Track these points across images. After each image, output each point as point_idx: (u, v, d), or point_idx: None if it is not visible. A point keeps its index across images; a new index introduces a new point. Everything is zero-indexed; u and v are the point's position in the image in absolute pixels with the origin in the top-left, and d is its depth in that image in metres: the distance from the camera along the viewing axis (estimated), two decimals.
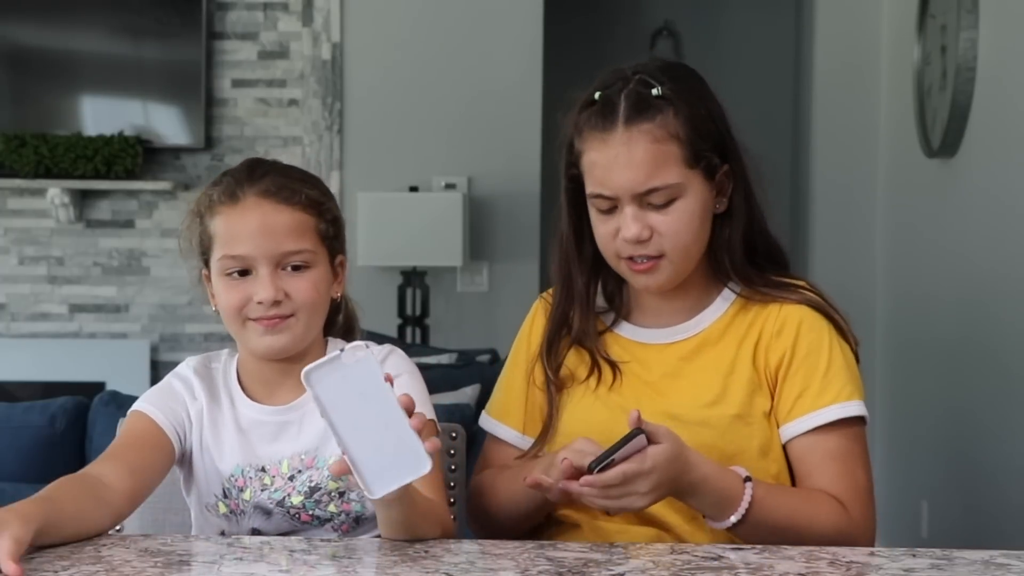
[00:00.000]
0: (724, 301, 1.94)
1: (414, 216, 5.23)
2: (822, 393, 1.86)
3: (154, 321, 5.59)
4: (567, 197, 1.92)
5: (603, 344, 1.95)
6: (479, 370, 3.86)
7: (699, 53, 6.86)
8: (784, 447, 1.88)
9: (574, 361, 1.96)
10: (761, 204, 1.93)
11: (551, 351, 1.96)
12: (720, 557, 1.60)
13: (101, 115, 5.52)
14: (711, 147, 1.86)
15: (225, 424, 1.87)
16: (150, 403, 1.87)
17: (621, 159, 1.81)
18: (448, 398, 3.32)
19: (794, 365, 1.87)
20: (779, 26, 6.52)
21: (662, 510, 1.84)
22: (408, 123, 5.54)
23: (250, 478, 1.84)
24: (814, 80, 5.39)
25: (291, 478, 1.84)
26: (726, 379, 1.88)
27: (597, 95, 1.86)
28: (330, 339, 1.93)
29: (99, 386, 5.31)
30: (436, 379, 3.54)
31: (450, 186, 5.51)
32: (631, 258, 1.86)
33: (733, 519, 1.75)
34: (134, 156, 5.40)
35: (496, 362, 4.45)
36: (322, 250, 1.86)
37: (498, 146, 5.54)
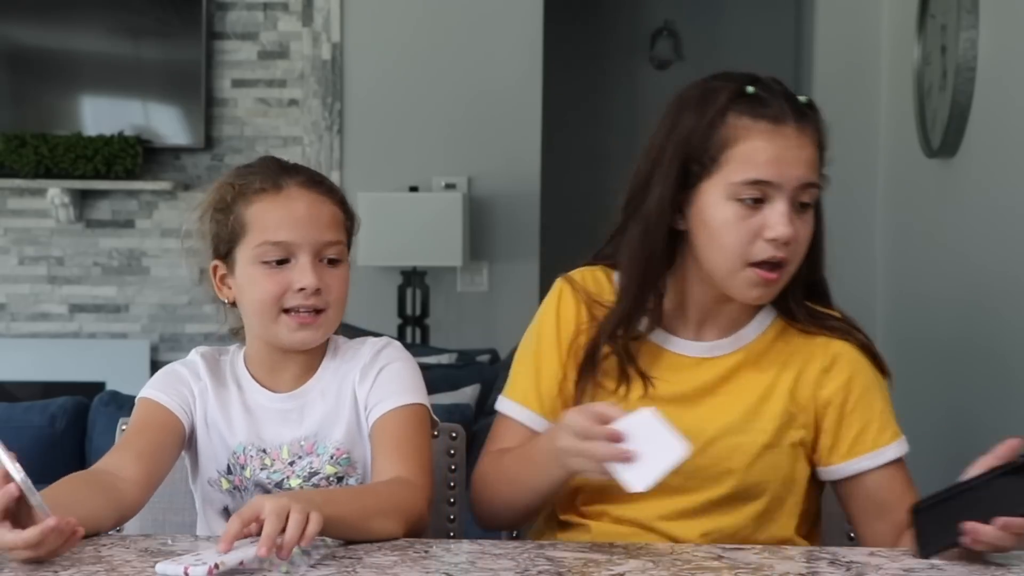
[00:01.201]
0: (764, 320, 1.90)
1: (414, 216, 5.23)
2: (883, 431, 1.87)
3: (154, 321, 5.59)
4: (674, 187, 1.83)
5: (637, 351, 1.89)
6: (479, 370, 3.86)
7: (699, 53, 6.86)
8: (837, 482, 1.88)
9: (607, 364, 1.89)
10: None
11: (596, 351, 1.88)
12: (720, 557, 1.60)
13: (101, 115, 5.52)
14: (822, 169, 1.85)
15: (233, 403, 1.90)
16: (155, 388, 1.90)
17: (792, 152, 1.78)
18: (448, 398, 3.33)
19: (849, 404, 1.86)
20: (779, 26, 6.52)
21: (669, 524, 1.83)
22: (408, 123, 5.54)
23: (251, 456, 1.87)
24: (814, 80, 5.39)
25: (291, 463, 1.87)
26: (760, 405, 1.86)
27: (750, 89, 1.81)
28: (341, 338, 1.96)
29: (99, 386, 5.31)
30: (436, 379, 3.54)
31: (450, 186, 5.51)
32: (763, 264, 1.79)
33: None
34: (134, 156, 5.40)
35: (496, 362, 4.45)
36: (346, 247, 1.89)
37: (498, 146, 5.54)
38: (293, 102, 5.58)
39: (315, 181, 1.87)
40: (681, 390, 1.87)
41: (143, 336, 5.58)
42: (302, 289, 1.81)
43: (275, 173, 1.86)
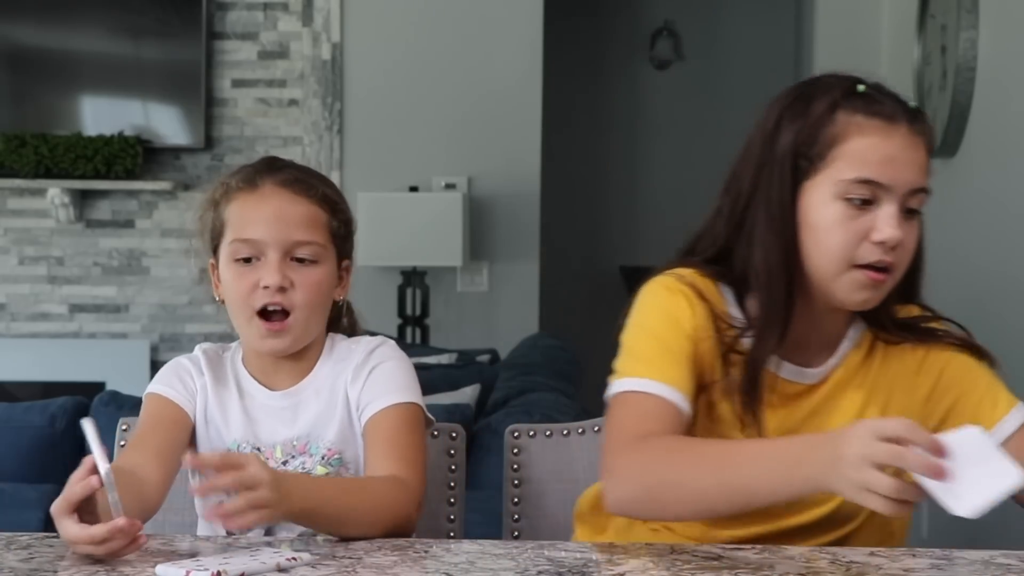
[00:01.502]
0: (855, 333, 1.84)
1: (414, 216, 5.23)
2: (995, 406, 1.81)
3: (154, 321, 5.59)
4: (787, 183, 1.73)
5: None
6: (479, 370, 3.86)
7: (699, 53, 6.87)
8: None
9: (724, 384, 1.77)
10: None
11: (757, 376, 1.74)
12: (720, 557, 1.60)
13: (101, 115, 5.52)
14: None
15: (231, 400, 1.90)
16: (162, 383, 1.91)
17: (907, 154, 1.71)
18: (448, 398, 3.32)
19: (957, 406, 1.81)
20: (779, 26, 6.52)
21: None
22: (408, 123, 5.54)
23: (245, 452, 1.86)
24: None
25: (284, 463, 1.86)
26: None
27: (861, 88, 1.74)
28: (331, 334, 1.95)
29: (99, 386, 5.31)
30: (436, 379, 3.55)
31: (450, 186, 5.51)
32: (871, 266, 1.71)
33: None
34: (134, 156, 5.40)
35: (496, 362, 4.45)
36: (331, 248, 1.88)
37: (498, 146, 5.54)
38: (293, 102, 5.58)
39: (296, 180, 1.86)
40: (789, 424, 1.78)
41: (143, 336, 5.58)
42: (267, 287, 1.82)
43: (256, 172, 1.87)
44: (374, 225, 5.06)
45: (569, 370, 4.09)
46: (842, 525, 1.78)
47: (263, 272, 1.82)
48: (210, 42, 5.54)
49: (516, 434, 2.10)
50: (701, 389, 1.75)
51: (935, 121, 4.31)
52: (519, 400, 3.40)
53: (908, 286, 1.83)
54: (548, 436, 2.08)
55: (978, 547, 1.66)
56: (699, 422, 1.75)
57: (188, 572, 1.44)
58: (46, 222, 5.56)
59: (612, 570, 1.53)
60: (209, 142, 5.54)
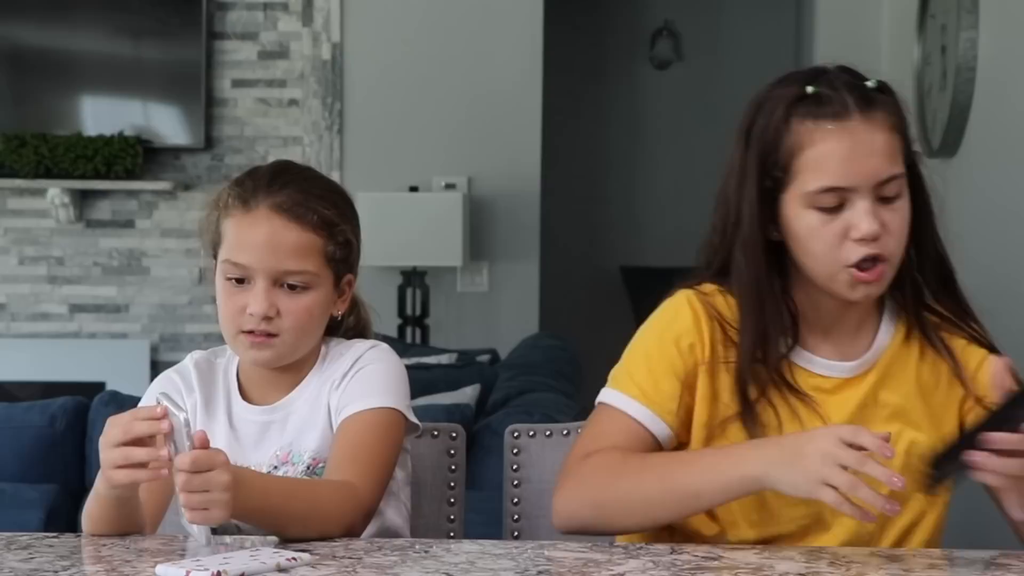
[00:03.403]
0: (889, 325, 1.83)
1: (414, 216, 5.23)
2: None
3: (154, 321, 5.59)
4: (760, 202, 1.74)
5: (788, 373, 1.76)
6: (479, 370, 3.86)
7: (699, 53, 6.86)
8: None
9: (730, 392, 1.77)
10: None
11: (745, 385, 1.75)
12: (720, 557, 1.60)
13: (101, 115, 5.52)
14: (910, 148, 1.78)
15: (219, 420, 1.88)
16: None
17: (863, 147, 1.69)
18: (448, 398, 3.32)
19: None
20: (779, 26, 6.52)
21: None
22: (408, 123, 5.54)
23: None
24: None
25: (268, 472, 1.84)
26: (901, 430, 1.76)
27: (810, 89, 1.72)
28: (332, 339, 1.92)
29: (99, 386, 5.31)
30: (436, 379, 3.55)
31: (450, 186, 5.51)
32: (859, 265, 1.71)
33: None
34: (134, 156, 5.39)
35: (496, 362, 4.45)
36: (326, 272, 1.85)
37: (498, 146, 5.54)
38: (293, 102, 5.58)
39: (293, 204, 1.81)
40: (840, 419, 1.76)
41: (143, 336, 5.58)
42: (252, 314, 1.80)
43: (254, 190, 1.82)
44: (374, 225, 5.05)
45: (569, 370, 4.09)
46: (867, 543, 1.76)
47: (250, 297, 1.80)
48: (210, 42, 5.53)
49: (516, 434, 2.09)
50: (747, 407, 1.75)
51: (935, 121, 4.31)
52: (519, 400, 3.40)
53: (939, 277, 1.84)
54: (548, 436, 2.08)
55: (978, 547, 1.66)
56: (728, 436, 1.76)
57: (188, 572, 1.45)
58: (46, 222, 5.56)
59: (612, 570, 1.53)
60: (209, 142, 5.53)
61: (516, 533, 2.06)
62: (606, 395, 1.80)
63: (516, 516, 2.07)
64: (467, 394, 3.45)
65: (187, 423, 1.56)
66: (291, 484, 1.75)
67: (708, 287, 1.82)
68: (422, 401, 3.10)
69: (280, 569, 1.49)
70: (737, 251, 1.77)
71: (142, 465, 1.58)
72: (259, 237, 1.80)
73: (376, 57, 5.54)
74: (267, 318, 1.80)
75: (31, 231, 5.57)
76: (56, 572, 1.50)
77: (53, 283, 5.58)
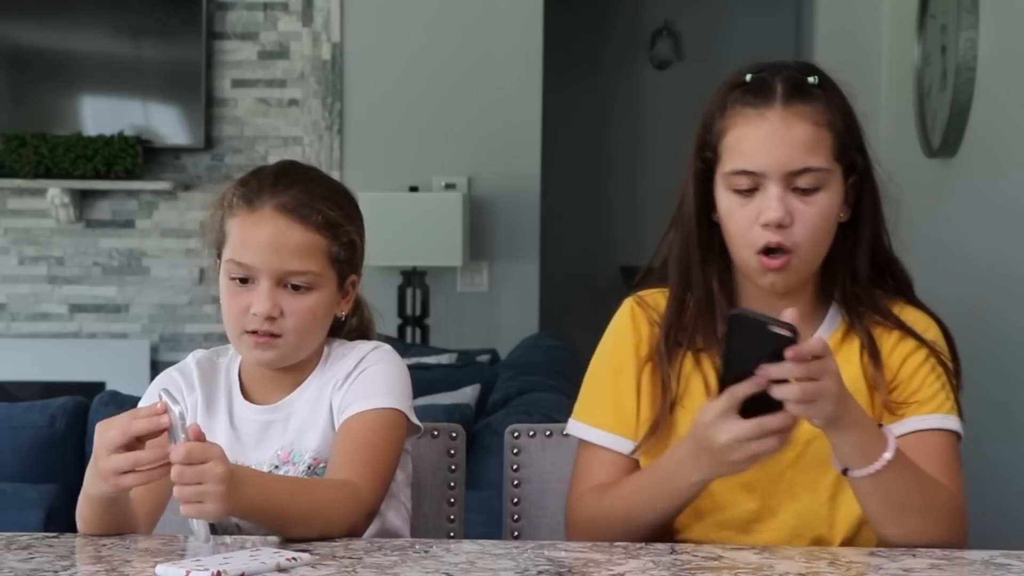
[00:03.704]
0: (835, 318, 1.85)
1: (414, 216, 5.23)
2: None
3: (154, 321, 5.59)
4: (696, 184, 1.82)
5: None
6: (479, 370, 3.86)
7: (699, 53, 6.86)
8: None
9: (689, 373, 1.83)
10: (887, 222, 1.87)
11: (666, 359, 1.82)
12: (720, 557, 1.60)
13: (101, 115, 5.52)
14: (855, 146, 1.81)
15: (220, 419, 1.88)
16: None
17: (777, 135, 1.74)
18: (448, 398, 3.32)
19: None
20: (779, 26, 6.52)
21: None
22: (408, 123, 5.54)
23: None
24: None
25: (268, 472, 1.84)
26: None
27: (748, 77, 1.78)
28: (335, 340, 1.92)
29: (99, 386, 5.31)
30: (436, 379, 3.55)
31: (450, 186, 5.52)
32: (766, 252, 1.75)
33: (887, 456, 1.65)
34: (134, 156, 5.40)
35: (496, 362, 4.45)
36: (330, 273, 1.85)
37: (498, 146, 5.54)
38: (293, 102, 5.58)
39: (298, 204, 1.82)
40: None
41: (143, 336, 5.58)
42: (255, 314, 1.80)
43: (259, 190, 1.83)
44: (374, 225, 5.00)
45: (569, 370, 4.09)
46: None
47: (254, 297, 1.80)
48: (210, 42, 5.54)
49: (516, 434, 2.10)
50: (659, 383, 1.83)
51: (935, 121, 4.31)
52: (519, 400, 3.40)
53: (895, 283, 1.87)
54: (548, 436, 2.08)
55: (978, 547, 1.66)
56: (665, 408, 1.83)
57: (188, 572, 1.45)
58: (46, 222, 5.56)
59: (612, 570, 1.53)
60: (209, 142, 5.54)
61: (516, 533, 2.06)
62: (575, 428, 1.88)
63: (516, 516, 2.07)
64: (467, 394, 3.45)
65: (182, 416, 1.56)
66: (292, 483, 1.75)
67: (650, 291, 1.89)
68: (422, 401, 3.10)
69: (280, 569, 1.49)
70: (675, 229, 1.85)
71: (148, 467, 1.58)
72: (263, 237, 1.81)
73: (376, 57, 5.54)
74: (270, 318, 1.80)
75: (31, 231, 5.58)
76: (56, 572, 1.50)
77: (53, 283, 5.59)
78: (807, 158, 1.75)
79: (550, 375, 3.84)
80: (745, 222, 1.76)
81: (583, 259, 6.96)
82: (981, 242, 3.94)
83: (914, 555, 1.62)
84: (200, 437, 1.56)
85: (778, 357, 1.56)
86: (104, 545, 1.63)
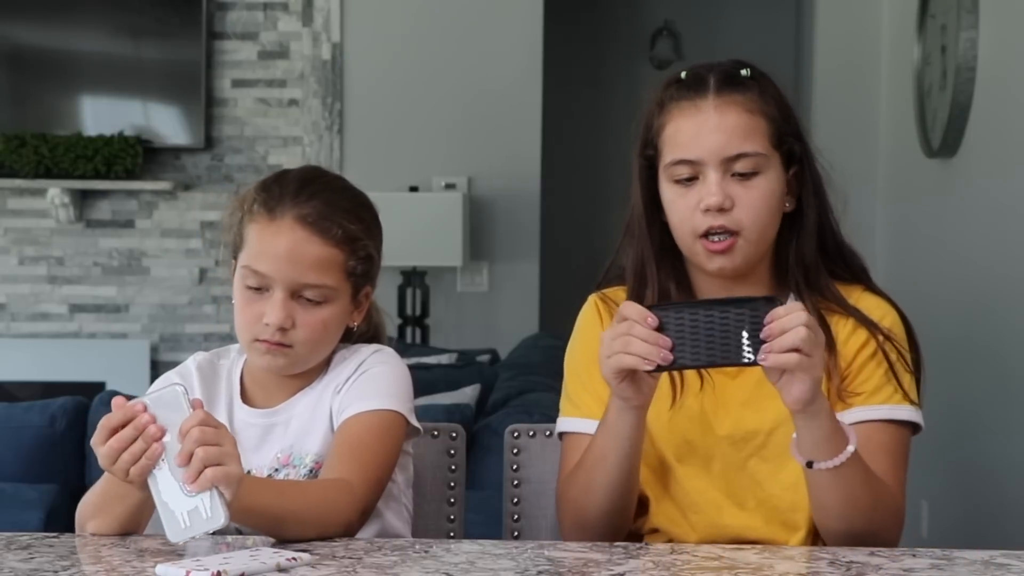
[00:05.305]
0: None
1: (414, 216, 5.23)
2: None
3: (154, 321, 5.59)
4: (641, 181, 1.88)
5: None
6: (479, 370, 3.86)
7: (699, 53, 6.86)
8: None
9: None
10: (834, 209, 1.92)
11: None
12: (720, 557, 1.60)
13: (101, 115, 5.52)
14: (793, 135, 1.85)
15: (220, 420, 1.87)
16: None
17: (711, 123, 1.80)
18: (448, 398, 3.32)
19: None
20: (779, 26, 6.52)
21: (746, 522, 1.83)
22: (408, 123, 5.54)
23: None
24: (814, 80, 5.39)
25: (268, 475, 1.83)
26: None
27: (683, 74, 1.85)
28: (341, 345, 1.91)
29: (99, 386, 5.32)
30: (436, 379, 3.55)
31: (450, 186, 5.52)
32: (707, 236, 1.79)
33: (851, 448, 1.67)
34: (134, 156, 5.40)
35: (496, 362, 4.45)
36: (345, 286, 1.85)
37: (498, 146, 5.54)
38: (293, 102, 5.58)
39: (318, 217, 1.81)
40: (744, 396, 1.84)
41: (143, 336, 5.58)
42: (268, 324, 1.80)
43: (280, 197, 1.82)
44: None
45: None
46: None
47: (267, 307, 1.80)
48: (210, 42, 5.54)
49: (516, 434, 2.10)
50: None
51: (935, 121, 4.31)
52: (519, 400, 3.40)
53: (846, 268, 1.91)
54: (548, 436, 2.08)
55: (978, 547, 1.66)
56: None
57: (188, 572, 1.45)
58: (46, 222, 5.57)
59: (612, 570, 1.53)
60: (209, 142, 5.54)
61: (516, 533, 2.06)
62: (560, 424, 1.93)
63: (516, 516, 2.07)
64: (467, 394, 3.46)
65: (185, 392, 1.56)
66: (284, 484, 1.74)
67: (612, 288, 1.95)
68: (422, 401, 3.10)
69: (280, 569, 1.49)
70: (627, 233, 1.91)
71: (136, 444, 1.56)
72: (281, 248, 1.80)
73: (376, 57, 5.55)
74: (282, 329, 1.80)
75: (31, 231, 5.58)
76: (56, 572, 1.50)
77: (53, 283, 5.59)
78: (742, 143, 1.80)
79: (550, 375, 3.84)
80: (687, 210, 1.81)
81: (583, 259, 6.95)
82: (981, 242, 3.94)
83: (914, 555, 1.62)
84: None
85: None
86: (104, 545, 1.63)
